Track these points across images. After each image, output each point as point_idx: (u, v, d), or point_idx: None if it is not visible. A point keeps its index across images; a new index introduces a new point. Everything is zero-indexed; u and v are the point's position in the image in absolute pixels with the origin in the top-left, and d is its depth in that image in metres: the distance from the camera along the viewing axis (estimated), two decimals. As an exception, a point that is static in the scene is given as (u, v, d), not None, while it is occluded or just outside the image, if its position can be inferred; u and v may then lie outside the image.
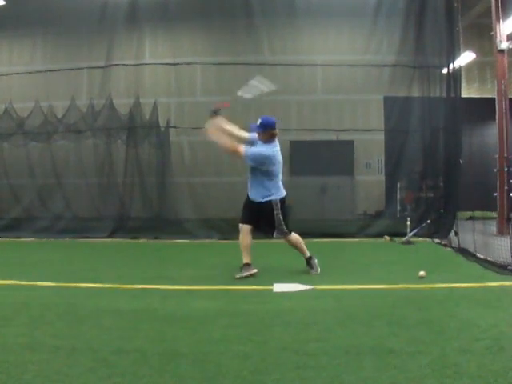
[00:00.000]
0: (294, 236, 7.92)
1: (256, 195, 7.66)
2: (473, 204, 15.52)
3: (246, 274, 7.56)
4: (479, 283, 7.04)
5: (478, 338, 4.49)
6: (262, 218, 7.72)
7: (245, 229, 7.73)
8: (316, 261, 7.93)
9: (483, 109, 15.96)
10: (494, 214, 13.92)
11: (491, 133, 15.40)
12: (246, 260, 7.69)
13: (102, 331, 4.88)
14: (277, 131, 7.65)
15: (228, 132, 7.73)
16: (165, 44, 15.48)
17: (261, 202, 7.63)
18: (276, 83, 14.70)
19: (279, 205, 7.65)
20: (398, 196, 14.45)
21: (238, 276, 7.55)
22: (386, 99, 14.48)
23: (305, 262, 7.96)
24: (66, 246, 12.47)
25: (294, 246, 7.94)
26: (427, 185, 13.80)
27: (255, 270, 7.68)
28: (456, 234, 11.25)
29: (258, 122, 7.60)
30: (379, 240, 12.40)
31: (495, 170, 13.43)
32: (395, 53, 13.42)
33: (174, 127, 14.28)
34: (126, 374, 3.75)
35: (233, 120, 15.02)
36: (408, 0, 13.41)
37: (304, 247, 7.97)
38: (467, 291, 6.65)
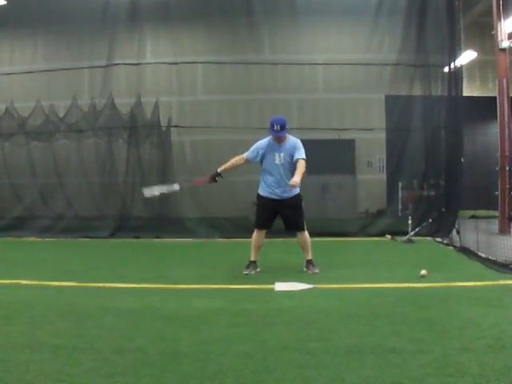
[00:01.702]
0: (307, 234, 8.04)
1: (289, 189, 7.73)
2: (474, 203, 15.55)
3: (253, 272, 7.85)
4: (480, 282, 7.04)
5: (479, 337, 4.49)
6: (291, 212, 7.82)
7: (262, 233, 7.96)
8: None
9: (484, 108, 15.98)
10: (496, 213, 13.92)
11: (492, 132, 15.42)
12: (254, 257, 7.95)
13: (103, 330, 4.88)
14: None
15: (230, 169, 8.03)
16: (166, 43, 15.49)
17: (295, 195, 7.79)
18: (277, 82, 14.81)
19: None
20: (400, 195, 14.45)
21: (245, 272, 7.82)
22: (388, 98, 14.47)
23: (304, 263, 7.98)
24: (67, 245, 12.48)
25: (306, 243, 7.98)
26: (429, 184, 13.78)
27: (258, 269, 7.95)
28: (457, 232, 11.26)
29: (279, 127, 7.61)
30: (381, 239, 12.40)
31: (496, 168, 13.43)
32: (396, 51, 13.40)
33: (176, 126, 14.27)
34: (127, 374, 3.75)
35: (234, 118, 15.06)
36: (409, -2, 13.43)
37: (310, 248, 8.01)
38: (468, 290, 6.65)
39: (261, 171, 7.89)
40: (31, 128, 14.46)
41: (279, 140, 7.70)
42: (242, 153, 7.96)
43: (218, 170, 7.92)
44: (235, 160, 7.96)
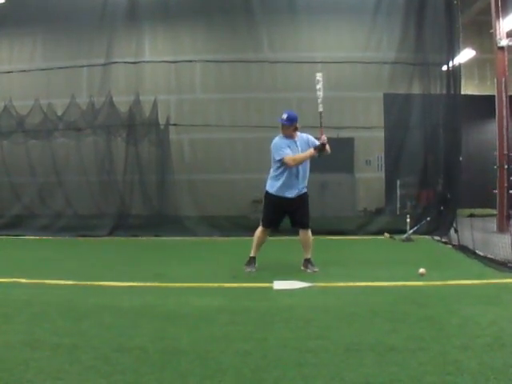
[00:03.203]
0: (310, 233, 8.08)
1: (303, 186, 7.87)
2: (473, 201, 15.53)
3: (254, 269, 7.91)
4: (479, 280, 7.05)
5: (478, 335, 4.50)
6: (299, 209, 7.86)
7: (267, 231, 8.03)
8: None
9: (483, 106, 15.97)
10: (494, 211, 13.93)
11: (491, 130, 15.40)
12: (254, 254, 8.01)
13: (102, 329, 4.89)
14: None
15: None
16: (165, 41, 15.46)
17: (304, 193, 7.93)
18: (276, 81, 14.80)
19: None
20: (398, 193, 14.45)
21: (248, 270, 7.89)
22: (386, 96, 14.45)
23: (302, 261, 7.98)
24: (66, 243, 12.47)
25: (308, 241, 7.99)
26: (427, 182, 13.78)
27: (256, 265, 7.98)
28: (456, 231, 11.26)
29: (285, 117, 7.76)
30: (379, 237, 12.41)
31: (495, 166, 13.44)
32: (395, 50, 13.41)
33: (174, 125, 14.26)
34: (127, 372, 3.76)
35: (233, 117, 15.04)
36: (408, -3, 13.43)
37: (311, 247, 8.03)
38: (467, 288, 6.66)
39: (278, 169, 7.80)
40: (30, 126, 14.43)
41: (288, 133, 7.77)
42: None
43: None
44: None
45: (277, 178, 7.82)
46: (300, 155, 7.71)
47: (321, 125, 7.83)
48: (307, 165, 7.89)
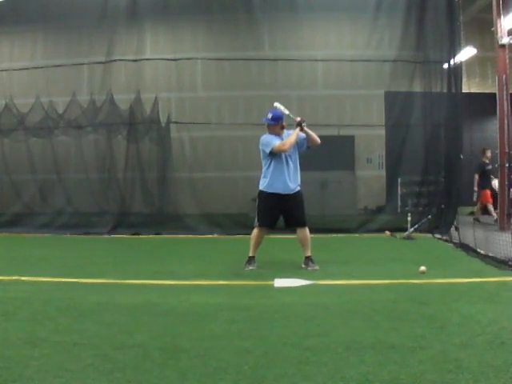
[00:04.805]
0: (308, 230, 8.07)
1: (295, 184, 7.90)
2: (473, 199, 15.51)
3: (254, 267, 7.90)
4: (480, 278, 7.05)
5: (478, 333, 4.50)
6: (294, 208, 7.90)
7: (265, 230, 8.05)
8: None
9: (484, 104, 15.92)
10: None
11: (492, 128, 15.38)
12: (253, 253, 8.00)
13: (103, 326, 4.89)
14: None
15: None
16: (165, 39, 15.46)
17: (298, 191, 7.94)
18: (277, 78, 14.80)
19: None
20: (399, 191, 14.45)
21: (250, 268, 7.89)
22: (387, 94, 14.44)
23: (303, 260, 7.98)
24: (66, 241, 12.48)
25: (306, 239, 7.98)
26: (428, 180, 13.77)
27: (256, 263, 7.97)
28: (457, 229, 11.25)
29: (270, 116, 7.87)
30: (380, 235, 12.40)
31: (496, 165, 13.42)
32: (396, 48, 13.41)
33: (175, 122, 14.26)
34: (127, 369, 3.76)
35: (234, 115, 15.04)
36: (409, -5, 13.42)
37: (309, 245, 8.02)
38: (468, 286, 6.65)
39: (267, 166, 7.87)
40: (30, 124, 14.45)
41: (275, 132, 7.85)
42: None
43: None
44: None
45: (266, 174, 7.89)
46: (289, 138, 7.81)
47: (290, 115, 7.98)
48: (297, 161, 7.94)
